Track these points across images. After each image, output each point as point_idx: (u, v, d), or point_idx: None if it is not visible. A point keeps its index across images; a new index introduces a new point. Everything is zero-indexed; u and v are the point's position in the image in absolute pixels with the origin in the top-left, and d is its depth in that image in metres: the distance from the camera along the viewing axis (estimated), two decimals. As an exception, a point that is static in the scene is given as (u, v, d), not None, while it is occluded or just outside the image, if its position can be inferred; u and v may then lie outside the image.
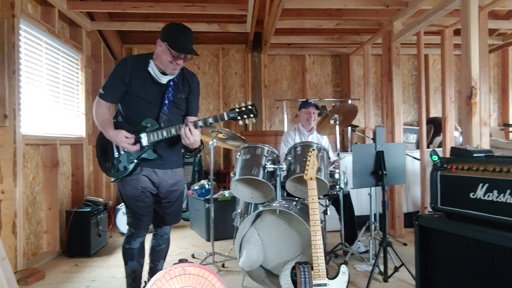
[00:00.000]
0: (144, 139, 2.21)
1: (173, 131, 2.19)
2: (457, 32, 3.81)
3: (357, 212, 3.93)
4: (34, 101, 3.61)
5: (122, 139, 2.16)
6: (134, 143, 2.19)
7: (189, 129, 2.14)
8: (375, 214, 3.61)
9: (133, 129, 2.22)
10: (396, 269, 3.02)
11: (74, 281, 3.11)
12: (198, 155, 5.84)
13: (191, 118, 2.36)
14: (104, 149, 2.31)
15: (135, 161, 2.22)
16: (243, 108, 2.15)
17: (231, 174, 3.06)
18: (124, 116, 2.30)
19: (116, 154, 2.26)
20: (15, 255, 3.07)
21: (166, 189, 2.34)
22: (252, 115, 2.16)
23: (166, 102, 2.25)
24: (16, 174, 3.10)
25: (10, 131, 3.08)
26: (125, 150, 2.22)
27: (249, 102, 2.19)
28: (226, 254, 3.51)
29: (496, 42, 5.82)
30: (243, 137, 3.62)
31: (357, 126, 4.31)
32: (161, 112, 2.24)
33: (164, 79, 2.24)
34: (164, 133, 2.19)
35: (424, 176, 4.43)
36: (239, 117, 2.16)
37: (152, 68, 2.22)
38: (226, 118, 2.17)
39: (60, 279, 3.17)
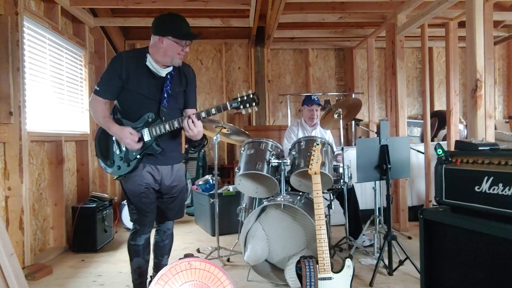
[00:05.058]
0: (146, 134, 2.19)
1: (176, 124, 2.17)
2: (461, 25, 3.76)
3: (362, 206, 3.93)
4: (38, 98, 3.62)
5: (127, 135, 2.15)
6: (138, 141, 2.17)
7: (192, 121, 2.13)
8: (379, 208, 3.62)
9: (133, 124, 2.21)
10: (401, 262, 3.02)
11: (81, 276, 3.14)
12: (202, 150, 5.85)
13: (190, 111, 2.35)
14: (104, 147, 2.30)
15: (138, 156, 2.20)
16: (245, 97, 2.15)
17: (236, 169, 3.06)
18: (122, 113, 2.27)
19: (117, 152, 2.24)
20: (23, 250, 3.10)
21: (168, 184, 2.34)
22: (254, 104, 2.15)
23: (165, 95, 2.23)
24: (22, 170, 3.12)
25: (16, 128, 3.10)
26: (127, 147, 2.20)
27: (251, 91, 2.18)
28: (231, 248, 3.53)
29: (501, 34, 5.76)
30: (247, 132, 3.61)
31: (361, 120, 4.31)
32: (161, 106, 2.22)
33: (163, 72, 2.22)
34: (167, 126, 2.17)
35: (428, 170, 4.41)
36: (241, 106, 2.14)
37: (151, 63, 2.19)
38: (229, 108, 2.16)
39: (67, 274, 3.20)
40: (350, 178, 3.37)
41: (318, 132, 3.89)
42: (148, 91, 2.22)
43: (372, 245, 3.50)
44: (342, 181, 3.27)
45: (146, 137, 2.20)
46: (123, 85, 2.20)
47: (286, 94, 6.21)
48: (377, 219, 3.48)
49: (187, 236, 4.36)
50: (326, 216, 3.05)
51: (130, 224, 2.45)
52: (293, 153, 3.02)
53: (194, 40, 2.29)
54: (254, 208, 3.18)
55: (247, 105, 2.15)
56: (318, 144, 2.40)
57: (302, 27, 5.61)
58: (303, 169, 2.80)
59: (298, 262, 2.24)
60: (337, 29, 5.62)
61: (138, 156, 2.21)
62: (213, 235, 4.09)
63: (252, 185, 3.12)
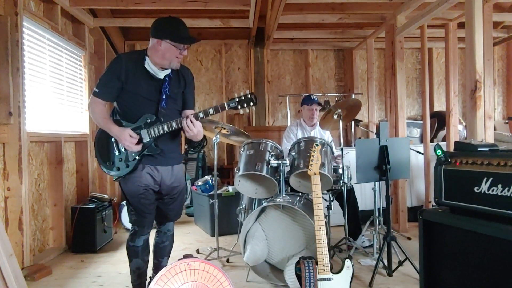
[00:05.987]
0: (145, 135, 2.20)
1: (174, 125, 2.18)
2: (461, 25, 3.77)
3: (361, 206, 3.93)
4: (38, 99, 3.62)
5: (126, 137, 2.16)
6: (137, 143, 2.18)
7: (191, 121, 2.14)
8: (379, 209, 3.61)
9: (132, 126, 2.21)
10: (400, 263, 3.02)
11: (80, 277, 3.14)
12: (202, 151, 5.85)
13: (189, 112, 2.37)
14: (103, 148, 2.31)
15: (137, 157, 2.21)
16: (243, 97, 2.16)
17: (235, 170, 3.06)
18: (121, 114, 2.28)
19: (116, 153, 2.26)
20: (22, 251, 3.10)
21: (168, 185, 2.34)
22: (252, 104, 2.16)
23: (164, 97, 2.24)
24: (22, 171, 3.13)
25: (15, 128, 3.10)
26: (126, 148, 2.21)
27: (248, 91, 2.20)
28: (231, 249, 3.52)
29: (501, 35, 5.77)
30: (246, 133, 3.61)
31: (361, 121, 4.30)
32: (160, 107, 2.23)
33: (162, 74, 2.24)
34: (165, 127, 2.18)
35: (428, 171, 4.42)
36: (239, 106, 2.15)
37: (149, 65, 2.21)
38: (227, 108, 2.17)
39: (66, 274, 3.20)
40: (350, 178, 3.37)
41: (317, 132, 3.89)
42: (147, 93, 2.23)
43: (371, 246, 3.49)
44: (341, 181, 3.27)
45: (145, 138, 2.21)
46: (122, 86, 2.22)
47: (286, 94, 6.21)
48: (377, 220, 3.48)
49: (186, 236, 4.36)
50: (325, 217, 3.05)
51: (129, 225, 2.45)
52: (293, 153, 3.02)
53: (194, 42, 2.30)
54: (254, 209, 3.18)
55: (245, 105, 2.16)
56: (317, 145, 2.40)
57: (302, 28, 5.62)
58: (303, 170, 2.80)
59: (298, 262, 2.24)
60: (336, 30, 5.62)
61: (137, 157, 2.22)
62: (213, 235, 4.09)
63: (252, 186, 3.12)
